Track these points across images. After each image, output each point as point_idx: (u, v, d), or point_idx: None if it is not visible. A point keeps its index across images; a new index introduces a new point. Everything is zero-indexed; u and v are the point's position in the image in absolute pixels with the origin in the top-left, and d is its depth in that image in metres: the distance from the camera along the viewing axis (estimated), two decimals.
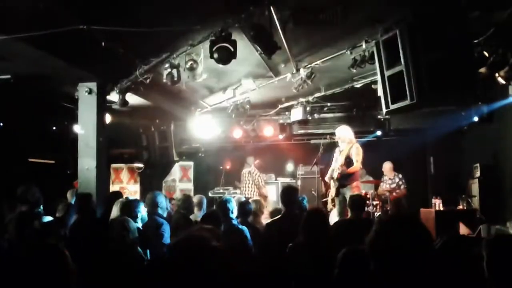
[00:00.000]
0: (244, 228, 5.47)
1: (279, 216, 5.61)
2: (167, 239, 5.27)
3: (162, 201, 5.87)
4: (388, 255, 1.91)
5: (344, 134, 8.01)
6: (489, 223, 7.57)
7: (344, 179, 7.75)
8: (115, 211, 5.50)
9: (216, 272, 2.10)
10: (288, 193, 5.59)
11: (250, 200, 6.93)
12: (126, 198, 7.08)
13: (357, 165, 7.75)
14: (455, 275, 2.79)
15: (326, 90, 9.23)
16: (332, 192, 8.03)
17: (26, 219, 4.15)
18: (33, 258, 2.09)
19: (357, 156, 7.76)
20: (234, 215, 5.63)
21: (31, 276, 2.03)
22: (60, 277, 2.07)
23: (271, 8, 5.44)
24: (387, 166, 10.58)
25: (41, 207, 5.46)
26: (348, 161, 7.78)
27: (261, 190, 11.48)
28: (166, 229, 5.35)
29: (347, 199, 7.65)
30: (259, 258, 5.15)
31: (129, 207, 5.19)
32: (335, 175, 7.84)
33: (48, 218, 5.52)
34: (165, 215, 6.13)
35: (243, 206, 6.10)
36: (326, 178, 8.25)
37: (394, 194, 10.16)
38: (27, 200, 5.42)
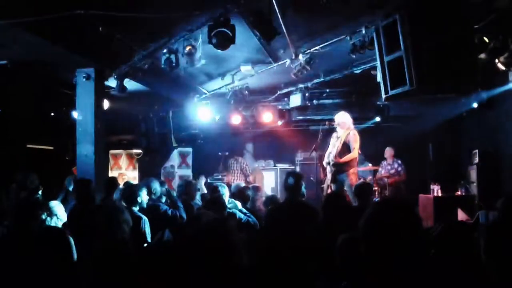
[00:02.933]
0: (234, 210, 5.56)
1: (281, 202, 5.63)
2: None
3: (156, 187, 5.88)
4: (379, 238, 1.91)
5: (343, 120, 7.99)
6: (487, 209, 7.59)
7: (341, 165, 7.76)
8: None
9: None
10: (295, 180, 5.48)
11: (249, 187, 6.96)
12: (126, 182, 7.11)
13: (354, 152, 7.75)
14: (453, 261, 2.80)
15: (325, 76, 9.18)
16: (329, 178, 8.04)
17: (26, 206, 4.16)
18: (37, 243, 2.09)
19: (355, 143, 7.75)
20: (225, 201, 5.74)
21: (31, 261, 2.03)
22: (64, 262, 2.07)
23: None
24: (389, 152, 10.61)
25: (40, 193, 5.47)
26: (346, 148, 7.78)
27: (248, 178, 11.55)
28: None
29: (344, 185, 7.68)
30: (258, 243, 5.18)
31: (131, 192, 5.22)
32: (331, 161, 7.87)
33: (56, 203, 5.54)
34: (163, 200, 6.15)
35: (243, 192, 6.13)
36: (324, 163, 8.26)
37: (392, 179, 10.19)
38: (27, 186, 5.42)
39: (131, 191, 5.26)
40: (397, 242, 1.84)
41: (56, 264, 3.40)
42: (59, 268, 3.42)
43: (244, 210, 5.79)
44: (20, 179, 5.57)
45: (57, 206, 4.24)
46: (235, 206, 5.83)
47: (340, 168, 7.77)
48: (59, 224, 4.15)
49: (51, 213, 4.02)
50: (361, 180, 9.52)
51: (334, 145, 7.97)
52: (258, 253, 4.81)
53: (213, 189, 6.05)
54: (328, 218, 4.72)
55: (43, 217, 3.89)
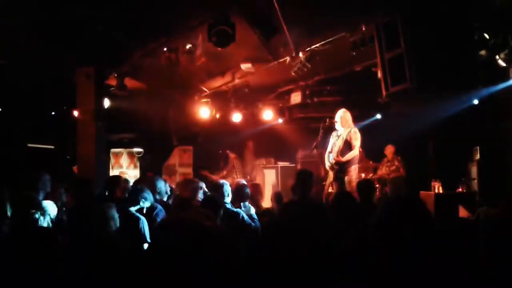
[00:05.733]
0: (239, 210, 5.50)
1: (293, 200, 5.59)
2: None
3: (161, 186, 5.87)
4: (391, 236, 1.91)
5: (344, 118, 7.97)
6: (489, 206, 7.58)
7: (343, 163, 7.75)
8: None
9: (210, 254, 2.10)
10: (305, 178, 5.39)
11: (249, 184, 6.92)
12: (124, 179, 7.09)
13: (355, 150, 7.72)
14: (454, 257, 2.80)
15: (325, 74, 9.18)
16: (330, 176, 8.03)
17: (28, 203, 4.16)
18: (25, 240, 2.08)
19: (356, 140, 7.73)
20: (228, 199, 5.67)
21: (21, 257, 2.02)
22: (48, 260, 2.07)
23: None
24: (390, 149, 10.60)
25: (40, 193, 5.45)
26: (347, 146, 7.76)
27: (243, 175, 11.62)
28: (160, 214, 5.36)
29: (345, 183, 7.68)
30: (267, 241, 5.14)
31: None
32: (332, 160, 7.86)
33: (49, 202, 5.52)
34: (165, 199, 6.14)
35: (241, 190, 6.09)
36: (326, 166, 8.25)
37: (393, 176, 10.19)
38: (37, 188, 5.39)
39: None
40: (409, 238, 1.84)
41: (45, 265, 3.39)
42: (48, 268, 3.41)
43: (255, 216, 5.74)
44: (30, 179, 5.53)
45: (50, 206, 4.24)
46: (248, 210, 5.79)
47: (341, 166, 7.76)
48: (51, 224, 4.17)
49: (44, 213, 4.02)
50: (362, 176, 9.55)
51: (334, 144, 7.95)
52: (269, 251, 4.79)
53: (214, 187, 6.01)
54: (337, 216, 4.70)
55: (37, 216, 3.89)
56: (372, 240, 1.99)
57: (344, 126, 7.90)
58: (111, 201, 5.08)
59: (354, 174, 7.70)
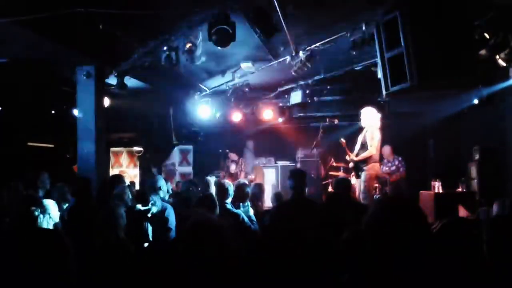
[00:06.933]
0: (239, 211, 5.48)
1: (287, 199, 5.60)
2: (172, 223, 5.27)
3: (163, 184, 5.87)
4: (384, 236, 1.90)
5: (363, 117, 8.01)
6: (488, 206, 7.58)
7: (359, 162, 7.82)
8: None
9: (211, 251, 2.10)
10: (299, 177, 5.40)
11: (252, 184, 6.92)
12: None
13: (370, 150, 7.73)
14: (454, 257, 2.79)
15: (325, 73, 9.17)
16: (352, 174, 8.16)
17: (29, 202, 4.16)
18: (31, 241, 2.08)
19: (371, 140, 7.74)
20: (229, 199, 5.66)
21: (28, 258, 2.02)
22: (58, 260, 2.06)
23: None
24: (386, 150, 10.57)
25: (40, 191, 5.47)
26: (363, 145, 7.79)
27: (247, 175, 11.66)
28: (171, 213, 5.36)
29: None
30: (265, 240, 5.15)
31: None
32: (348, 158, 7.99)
33: (50, 201, 5.53)
34: (166, 198, 6.14)
35: (241, 189, 6.09)
36: (350, 165, 8.33)
37: (393, 176, 10.17)
38: (37, 186, 5.41)
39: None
40: (402, 238, 1.84)
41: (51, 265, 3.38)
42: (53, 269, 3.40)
43: (253, 218, 5.73)
44: (30, 178, 5.55)
45: (51, 205, 4.25)
46: (247, 211, 5.78)
47: (359, 165, 7.83)
48: (51, 224, 4.17)
49: (44, 211, 4.03)
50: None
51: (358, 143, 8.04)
52: (264, 249, 4.81)
53: (219, 188, 5.99)
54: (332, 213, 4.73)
55: (36, 213, 3.90)
56: (369, 238, 1.98)
57: (365, 125, 7.94)
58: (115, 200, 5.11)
59: (372, 172, 7.73)
